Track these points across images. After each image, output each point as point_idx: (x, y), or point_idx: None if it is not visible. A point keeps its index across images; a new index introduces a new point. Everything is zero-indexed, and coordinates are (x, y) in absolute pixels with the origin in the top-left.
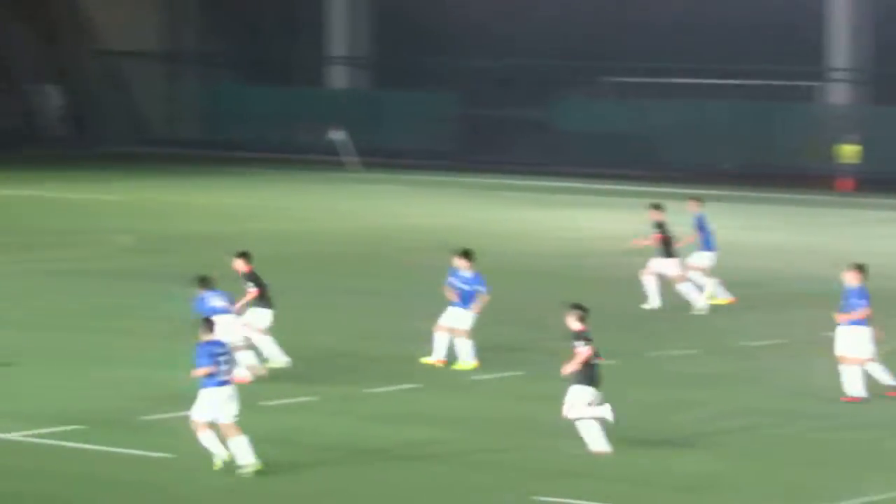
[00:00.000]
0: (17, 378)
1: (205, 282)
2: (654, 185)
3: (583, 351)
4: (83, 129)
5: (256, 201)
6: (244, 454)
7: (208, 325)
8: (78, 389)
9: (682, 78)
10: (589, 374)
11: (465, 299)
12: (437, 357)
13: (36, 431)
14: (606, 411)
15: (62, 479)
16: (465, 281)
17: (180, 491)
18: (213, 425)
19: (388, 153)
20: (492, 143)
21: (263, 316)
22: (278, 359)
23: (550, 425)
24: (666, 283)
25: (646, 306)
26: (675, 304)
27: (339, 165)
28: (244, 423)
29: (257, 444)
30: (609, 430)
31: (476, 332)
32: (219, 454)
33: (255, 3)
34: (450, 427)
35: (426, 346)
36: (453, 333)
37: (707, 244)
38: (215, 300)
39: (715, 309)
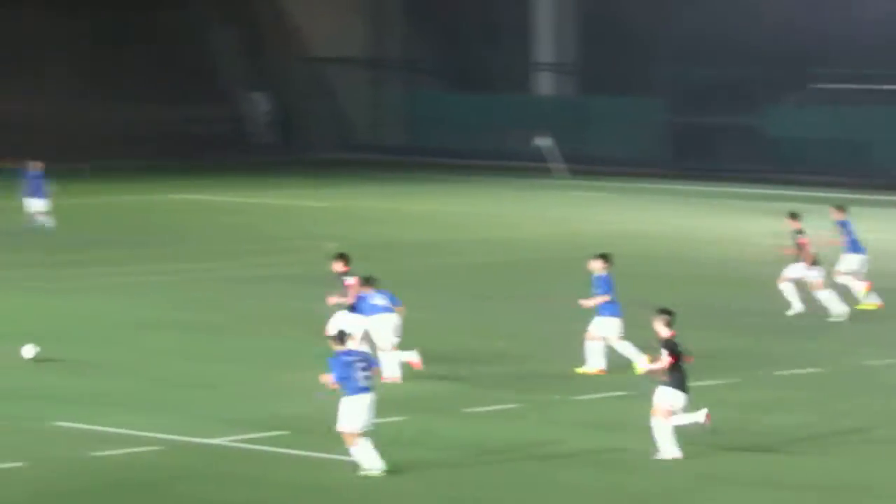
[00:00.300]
0: (223, 383)
1: (368, 281)
2: (864, 192)
3: (665, 360)
4: (289, 135)
5: (461, 208)
6: (368, 459)
7: (341, 336)
8: (282, 395)
9: (891, 84)
10: (678, 379)
11: (608, 306)
12: (594, 367)
13: (241, 437)
14: (700, 416)
15: (266, 485)
16: (595, 283)
17: (381, 497)
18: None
19: (593, 160)
20: (700, 149)
21: (354, 317)
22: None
23: (757, 433)
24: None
25: (789, 312)
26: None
27: (544, 172)
28: (458, 430)
29: (469, 449)
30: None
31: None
32: (374, 466)
33: (459, 10)
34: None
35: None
36: (606, 341)
37: (854, 247)
38: (378, 299)
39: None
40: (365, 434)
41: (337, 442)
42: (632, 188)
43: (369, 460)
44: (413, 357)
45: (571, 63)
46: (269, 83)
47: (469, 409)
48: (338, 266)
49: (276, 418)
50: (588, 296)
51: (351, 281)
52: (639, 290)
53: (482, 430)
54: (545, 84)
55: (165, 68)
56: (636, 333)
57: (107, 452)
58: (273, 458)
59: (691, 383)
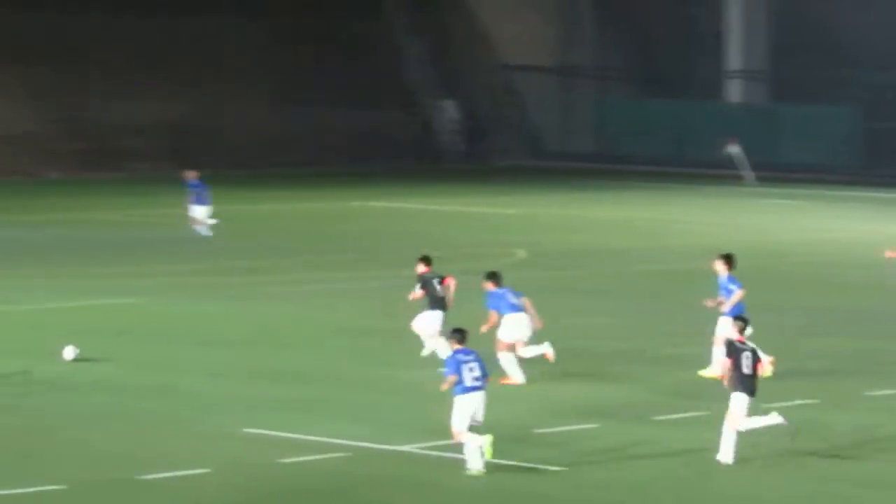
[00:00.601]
0: (413, 390)
1: (494, 277)
2: None
3: (725, 361)
4: (478, 142)
5: (651, 215)
6: (472, 458)
7: (458, 334)
8: None
9: None
10: (746, 384)
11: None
12: (713, 371)
13: (429, 444)
14: (776, 418)
15: (454, 492)
16: (721, 285)
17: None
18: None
19: (783, 167)
20: (893, 156)
21: (433, 318)
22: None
23: None
24: None
25: None
26: None
27: (733, 180)
28: (646, 436)
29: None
30: None
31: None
32: (475, 466)
33: (650, 17)
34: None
35: (823, 363)
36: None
37: None
38: (512, 298)
39: None
40: (476, 431)
41: (526, 449)
42: (822, 195)
43: (473, 460)
44: (547, 349)
45: (762, 70)
46: (458, 90)
47: (660, 417)
48: (420, 268)
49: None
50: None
51: (419, 292)
52: (831, 298)
53: (671, 436)
54: (735, 91)
55: (355, 75)
56: (820, 343)
57: (294, 459)
58: (461, 466)
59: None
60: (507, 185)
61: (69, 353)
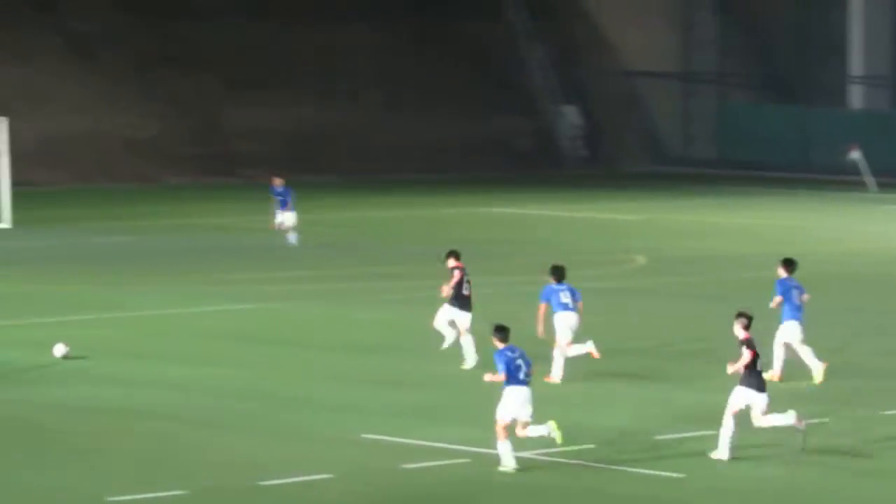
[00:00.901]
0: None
1: (557, 272)
2: None
3: (746, 355)
4: (599, 148)
5: (772, 221)
6: (506, 456)
7: (502, 332)
8: (588, 407)
9: None
10: (754, 380)
11: (788, 310)
12: (772, 373)
13: (548, 450)
14: (791, 418)
15: (573, 498)
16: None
17: None
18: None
19: None
20: None
21: (461, 317)
22: (470, 358)
23: None
24: None
25: None
26: None
27: (855, 186)
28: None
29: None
30: None
31: None
32: (508, 464)
33: (772, 22)
34: None
35: None
36: (790, 347)
37: None
38: (563, 296)
39: None
40: (523, 423)
41: (646, 455)
42: None
43: (507, 458)
44: (591, 348)
45: (884, 76)
46: (580, 96)
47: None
48: (450, 262)
49: (584, 431)
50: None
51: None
52: None
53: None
54: (857, 97)
55: (476, 81)
56: None
57: (415, 465)
58: (580, 472)
59: None
60: (627, 191)
61: (59, 350)
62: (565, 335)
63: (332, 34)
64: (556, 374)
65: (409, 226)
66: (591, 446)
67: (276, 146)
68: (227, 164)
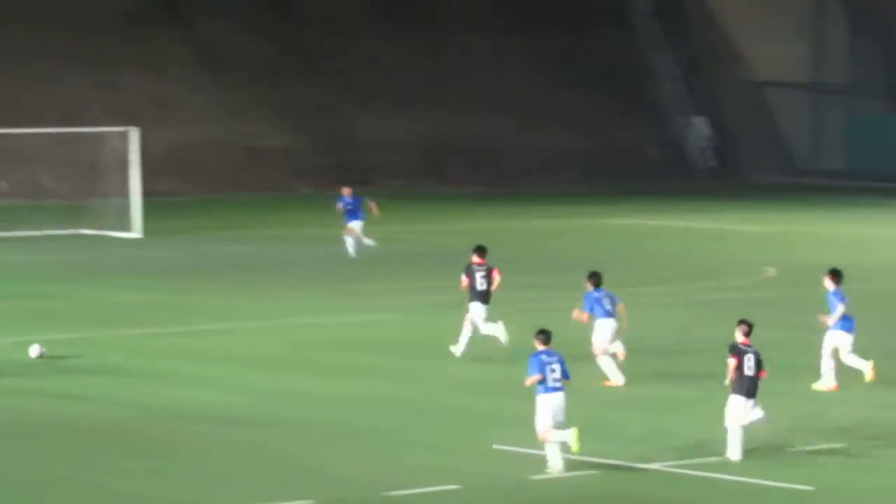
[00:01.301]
0: (660, 406)
1: (594, 277)
2: None
3: (729, 363)
4: (728, 159)
5: None
6: (553, 458)
7: (543, 335)
8: (715, 420)
9: None
10: (745, 385)
11: (840, 321)
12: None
13: (677, 462)
14: (757, 412)
15: None
16: (828, 300)
17: None
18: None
19: None
20: None
21: (476, 309)
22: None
23: None
24: None
25: None
26: None
27: None
28: None
29: None
30: None
31: None
32: (555, 467)
33: None
34: None
35: None
36: (837, 355)
37: None
38: (605, 301)
39: None
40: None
41: (777, 469)
42: None
43: (554, 460)
44: (618, 348)
45: None
46: (709, 107)
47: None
48: (474, 258)
49: (712, 443)
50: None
51: (464, 280)
52: None
53: None
54: None
55: (606, 92)
56: None
57: (545, 476)
58: (710, 484)
59: None
60: (757, 202)
61: (34, 350)
62: (605, 339)
63: (465, 45)
64: (616, 377)
65: (540, 236)
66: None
67: (406, 156)
68: (359, 175)
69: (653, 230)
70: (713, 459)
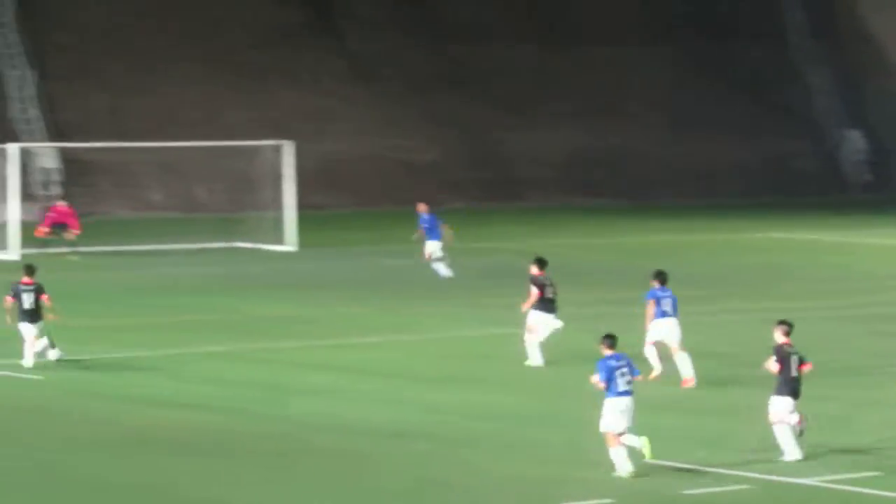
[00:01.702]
0: (819, 421)
1: (660, 276)
2: None
3: (771, 366)
4: (885, 174)
5: None
6: (621, 462)
7: (609, 340)
8: (872, 433)
9: None
10: (789, 385)
11: None
12: None
13: (832, 477)
14: (794, 417)
15: None
16: None
17: None
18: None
19: None
20: None
21: (542, 319)
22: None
23: None
24: None
25: None
26: None
27: None
28: None
29: None
30: None
31: None
32: (624, 469)
33: None
34: None
35: None
36: None
37: None
38: (666, 304)
39: None
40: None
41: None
42: None
43: (622, 463)
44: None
45: None
46: (865, 120)
47: None
48: (533, 269)
49: (868, 457)
50: None
51: (535, 292)
52: None
53: None
54: None
55: (759, 105)
56: None
57: (698, 490)
58: (865, 501)
59: None
60: None
61: (53, 354)
62: (666, 338)
63: (612, 57)
64: (658, 366)
65: (691, 250)
66: (878, 474)
67: (556, 170)
68: (508, 188)
69: (809, 245)
70: (867, 475)
